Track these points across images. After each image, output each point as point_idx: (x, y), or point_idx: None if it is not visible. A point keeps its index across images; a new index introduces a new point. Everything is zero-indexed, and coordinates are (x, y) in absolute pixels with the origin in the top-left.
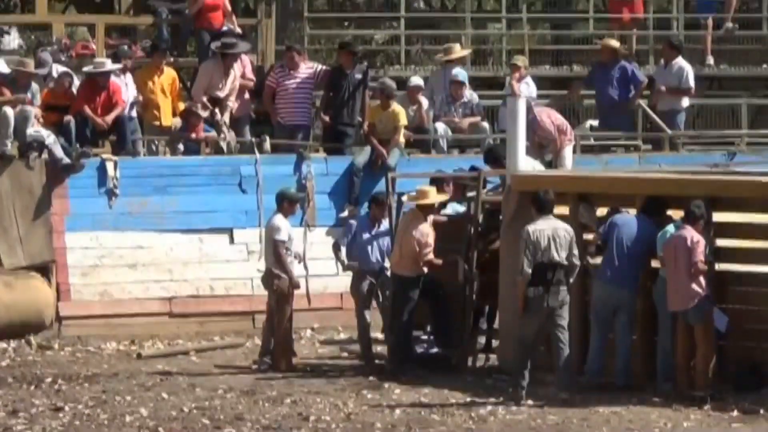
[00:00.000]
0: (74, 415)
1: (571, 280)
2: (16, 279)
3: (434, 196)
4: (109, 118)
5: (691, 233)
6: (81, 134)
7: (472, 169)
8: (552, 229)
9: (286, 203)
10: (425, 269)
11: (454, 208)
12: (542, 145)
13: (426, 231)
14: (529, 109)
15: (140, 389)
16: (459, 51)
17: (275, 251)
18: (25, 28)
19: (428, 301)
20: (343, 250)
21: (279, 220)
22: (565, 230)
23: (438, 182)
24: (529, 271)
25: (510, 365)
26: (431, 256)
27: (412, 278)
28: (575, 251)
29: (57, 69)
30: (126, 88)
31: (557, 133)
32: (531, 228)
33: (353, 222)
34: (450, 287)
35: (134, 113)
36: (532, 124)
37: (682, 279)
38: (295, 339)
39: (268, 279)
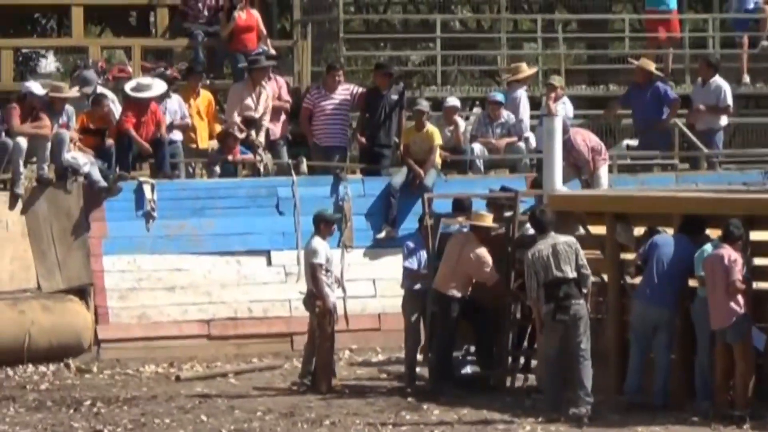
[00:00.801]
0: None
1: (585, 290)
2: (55, 302)
3: (491, 221)
4: (149, 139)
5: (728, 252)
6: (121, 157)
7: (503, 189)
8: (550, 247)
9: (322, 225)
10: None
11: None
12: (577, 165)
13: (483, 253)
14: (565, 130)
15: (179, 412)
16: (526, 70)
17: (313, 274)
18: (61, 51)
19: (470, 321)
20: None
21: (317, 242)
22: (565, 244)
23: (495, 203)
24: (537, 293)
25: (542, 385)
26: (496, 276)
27: (457, 298)
28: (582, 261)
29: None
30: (168, 112)
31: (591, 154)
32: (530, 253)
33: (410, 243)
34: (491, 307)
35: (178, 136)
36: (566, 144)
37: (720, 298)
38: (335, 361)
39: (309, 300)
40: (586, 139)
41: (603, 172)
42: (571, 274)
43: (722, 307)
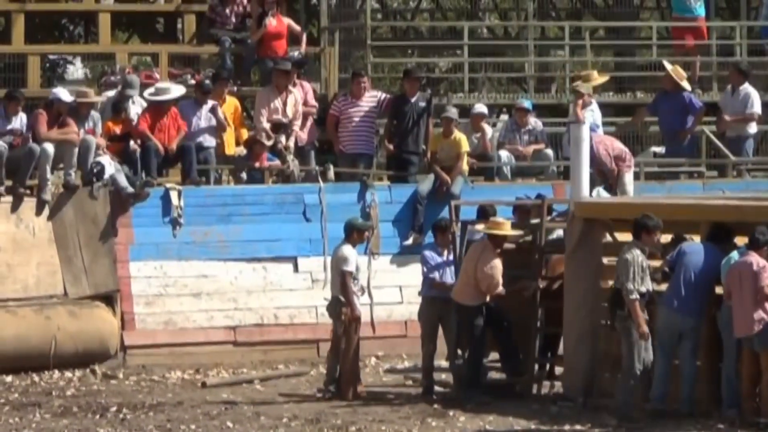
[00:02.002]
0: None
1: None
2: (81, 308)
3: (507, 229)
4: (174, 143)
5: (756, 259)
6: (146, 163)
7: (538, 197)
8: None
9: (355, 233)
10: (488, 298)
11: None
12: (603, 172)
13: (495, 264)
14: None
15: (205, 418)
16: (597, 78)
17: (342, 281)
18: (89, 58)
19: (492, 328)
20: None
21: (347, 250)
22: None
23: (522, 209)
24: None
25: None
26: (500, 289)
27: (474, 307)
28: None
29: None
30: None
31: (615, 162)
32: (632, 256)
33: (427, 252)
34: (515, 314)
35: (211, 142)
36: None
37: (748, 305)
38: (360, 367)
39: (335, 307)
40: (608, 147)
41: (628, 179)
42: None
43: (749, 314)
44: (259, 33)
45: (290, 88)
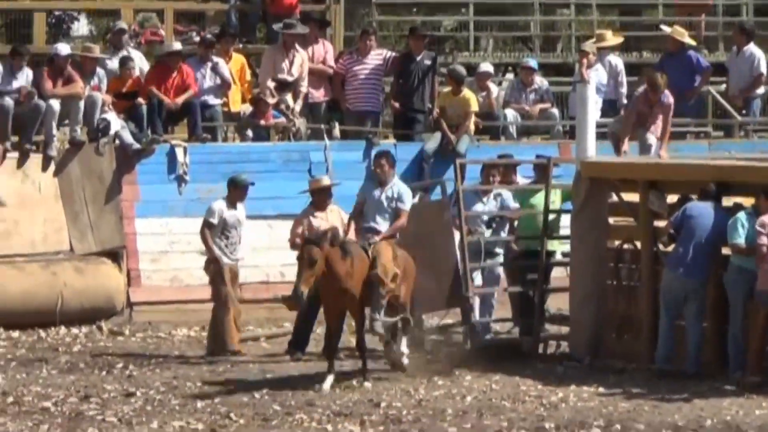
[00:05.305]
0: (146, 400)
1: None
2: (87, 265)
3: None
4: (180, 99)
5: None
6: (152, 119)
7: (538, 157)
8: None
9: (232, 189)
10: None
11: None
12: (644, 120)
13: None
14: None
15: (211, 375)
16: (611, 38)
17: (201, 230)
18: (94, 14)
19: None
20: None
21: (216, 203)
22: None
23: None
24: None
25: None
26: None
27: None
28: None
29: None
30: (208, 76)
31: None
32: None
33: None
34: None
35: (215, 100)
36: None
37: None
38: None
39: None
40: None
41: (652, 139)
42: None
43: None
44: None
45: (297, 47)
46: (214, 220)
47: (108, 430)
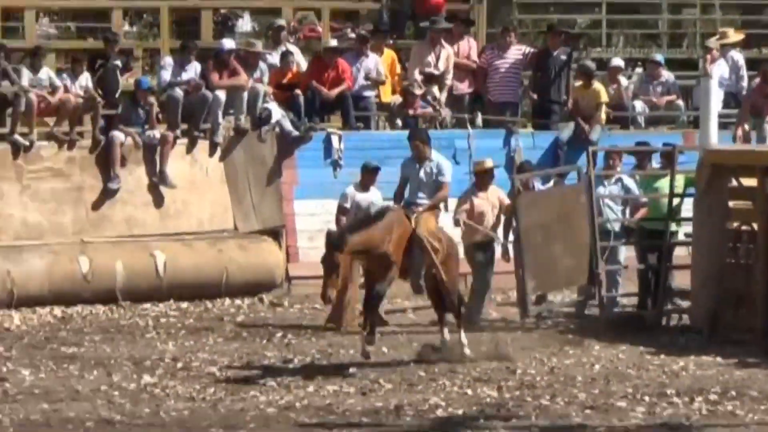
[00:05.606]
0: (303, 366)
1: None
2: (250, 242)
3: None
4: (335, 91)
5: None
6: (309, 108)
7: (665, 145)
8: None
9: (364, 174)
10: None
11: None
12: (759, 111)
13: None
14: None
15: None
16: (733, 35)
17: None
18: (257, 12)
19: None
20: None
21: (349, 188)
22: None
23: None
24: None
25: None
26: None
27: None
28: None
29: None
30: (364, 68)
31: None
32: None
33: None
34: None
35: (370, 92)
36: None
37: None
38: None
39: None
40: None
41: None
42: None
43: None
44: None
45: (443, 43)
46: (347, 204)
47: (268, 393)
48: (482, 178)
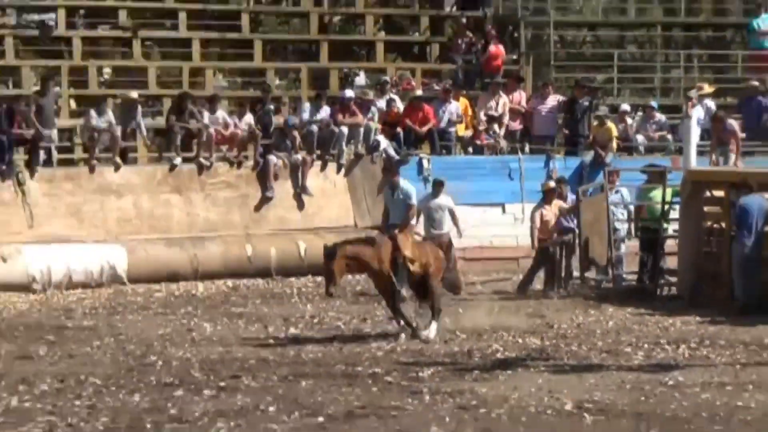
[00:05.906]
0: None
1: None
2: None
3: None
4: (425, 128)
5: None
6: (406, 140)
7: (649, 165)
8: None
9: (437, 185)
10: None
11: (622, 190)
12: (722, 141)
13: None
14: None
15: (454, 304)
16: (707, 88)
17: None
18: (369, 70)
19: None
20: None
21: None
22: None
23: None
24: None
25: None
26: None
27: None
28: None
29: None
30: (448, 112)
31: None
32: None
33: None
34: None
35: (451, 128)
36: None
37: None
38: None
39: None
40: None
41: (732, 159)
42: None
43: None
44: (485, 55)
45: (501, 93)
46: (420, 205)
47: (378, 341)
48: (548, 195)
